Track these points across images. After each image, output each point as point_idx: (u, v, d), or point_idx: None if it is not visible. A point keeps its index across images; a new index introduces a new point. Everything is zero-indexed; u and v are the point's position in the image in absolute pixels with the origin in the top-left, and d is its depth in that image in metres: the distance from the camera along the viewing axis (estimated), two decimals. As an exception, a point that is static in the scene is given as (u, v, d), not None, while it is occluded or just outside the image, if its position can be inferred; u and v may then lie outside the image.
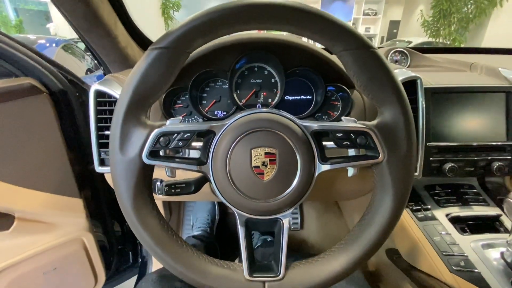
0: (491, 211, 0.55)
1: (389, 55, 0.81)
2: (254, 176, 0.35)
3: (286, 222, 0.37)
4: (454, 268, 0.46)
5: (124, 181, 0.34)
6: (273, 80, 0.63)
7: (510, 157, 0.56)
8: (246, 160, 0.35)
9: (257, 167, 0.35)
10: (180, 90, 0.60)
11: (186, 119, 0.62)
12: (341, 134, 0.36)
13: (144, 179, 0.35)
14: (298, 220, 1.22)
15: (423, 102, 0.55)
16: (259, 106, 0.64)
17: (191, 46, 0.34)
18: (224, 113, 0.63)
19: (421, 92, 0.55)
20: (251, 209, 0.36)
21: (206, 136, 0.37)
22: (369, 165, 0.37)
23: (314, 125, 0.37)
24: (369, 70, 0.35)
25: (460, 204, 0.57)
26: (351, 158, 0.37)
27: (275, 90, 0.64)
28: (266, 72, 0.63)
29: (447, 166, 0.55)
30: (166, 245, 0.35)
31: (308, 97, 0.66)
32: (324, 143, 0.40)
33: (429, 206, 0.57)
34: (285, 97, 0.65)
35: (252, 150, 0.35)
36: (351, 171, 0.41)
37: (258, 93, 0.64)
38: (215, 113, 0.63)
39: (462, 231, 0.54)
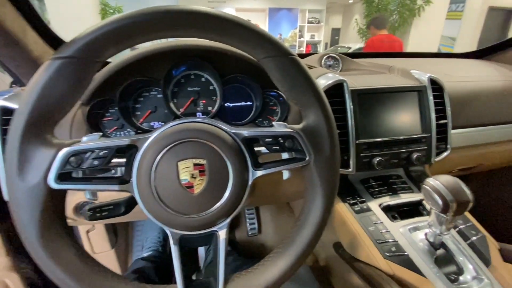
0: (415, 197, 0.62)
1: (323, 60, 0.86)
2: (183, 191, 0.33)
3: (223, 234, 0.36)
4: (387, 254, 0.50)
5: (26, 211, 0.29)
6: (211, 88, 0.62)
7: (426, 147, 0.64)
8: (172, 174, 0.33)
9: (186, 180, 0.33)
10: (108, 102, 0.55)
11: (117, 133, 0.57)
12: (270, 139, 0.37)
13: (54, 206, 0.31)
14: (256, 225, 1.22)
15: (351, 103, 0.59)
16: (199, 114, 0.63)
17: (101, 55, 0.31)
18: (162, 123, 0.60)
19: (348, 93, 0.59)
20: (183, 226, 0.34)
21: (128, 151, 0.34)
22: (299, 167, 0.38)
23: (244, 131, 0.37)
24: (290, 76, 0.36)
25: (390, 193, 0.63)
26: (283, 162, 0.38)
27: (214, 97, 0.63)
28: (203, 79, 0.62)
29: (376, 160, 0.60)
30: (87, 280, 0.31)
31: (248, 103, 0.66)
32: (258, 148, 0.40)
33: (364, 199, 0.61)
34: (225, 104, 0.65)
35: (178, 163, 0.33)
36: (285, 174, 0.42)
37: (196, 101, 0.62)
38: (152, 124, 0.59)
39: (393, 218, 0.59)
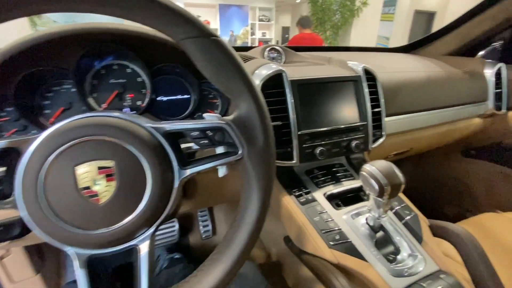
0: (356, 183, 0.64)
1: (266, 52, 0.85)
2: (83, 201, 0.27)
3: (145, 248, 0.31)
4: (332, 243, 0.50)
5: None
6: (139, 80, 0.55)
7: (363, 135, 0.66)
8: (68, 181, 0.26)
9: (87, 188, 0.27)
10: (1, 99, 0.45)
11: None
12: (197, 133, 0.32)
13: None
14: (210, 227, 1.17)
15: (291, 94, 0.58)
16: (127, 110, 0.55)
17: None
18: None
19: (288, 84, 0.58)
20: (90, 243, 0.28)
21: (7, 157, 0.27)
22: (234, 162, 0.35)
23: (166, 126, 0.32)
24: (214, 60, 0.32)
25: (334, 182, 0.64)
26: (214, 158, 0.34)
27: (144, 90, 0.56)
28: (128, 70, 0.54)
29: (318, 150, 0.60)
30: None
31: (185, 96, 0.60)
32: (188, 145, 0.35)
33: (309, 189, 0.61)
34: (158, 98, 0.58)
35: (76, 168, 0.27)
36: (221, 171, 0.38)
37: (122, 95, 0.54)
38: None
39: (337, 206, 0.60)
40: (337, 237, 0.52)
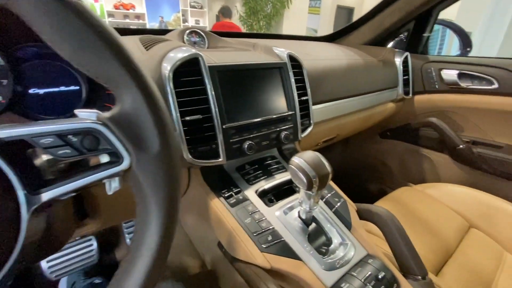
0: (288, 176, 0.61)
1: (185, 36, 0.74)
2: None
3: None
4: (264, 246, 0.46)
5: None
6: (-8, 66, 0.39)
7: (292, 125, 0.64)
8: None
9: None
10: None
11: None
12: (51, 140, 0.22)
13: None
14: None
15: (211, 82, 0.50)
16: (-23, 109, 0.39)
17: None
18: None
19: (206, 70, 0.50)
20: None
21: None
22: (122, 174, 0.26)
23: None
24: (72, 34, 0.22)
25: (266, 176, 0.60)
26: (87, 172, 0.24)
27: (5, 81, 0.41)
28: (-30, 53, 0.38)
29: (246, 144, 0.55)
30: None
31: (72, 87, 0.47)
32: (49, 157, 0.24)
33: (240, 188, 0.56)
34: (31, 91, 0.43)
35: None
36: (109, 186, 0.29)
37: None
38: None
39: (270, 202, 0.56)
40: (270, 237, 0.48)
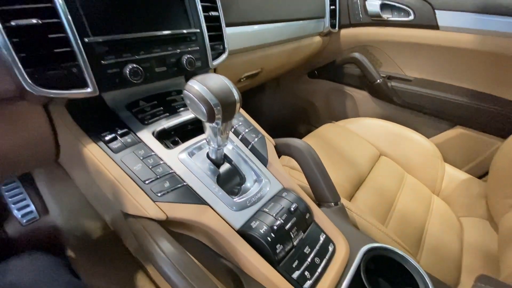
0: None
1: None
2: None
3: None
4: (159, 194, 0.37)
5: None
6: None
7: (198, 47, 0.51)
8: None
9: None
10: None
11: None
12: None
13: None
14: (32, 207, 0.84)
15: None
16: None
17: None
18: None
19: None
20: None
21: None
22: None
23: None
24: None
25: (168, 114, 0.48)
26: None
27: None
28: None
29: (127, 69, 0.40)
30: None
31: None
32: None
33: (130, 129, 0.43)
34: None
35: None
36: None
37: None
38: None
39: (173, 144, 0.46)
40: (167, 184, 0.38)
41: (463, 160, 0.98)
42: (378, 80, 1.04)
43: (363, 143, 0.93)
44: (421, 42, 0.95)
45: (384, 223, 0.70)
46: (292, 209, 0.41)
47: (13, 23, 0.31)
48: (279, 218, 0.39)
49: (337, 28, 1.07)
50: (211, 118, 0.34)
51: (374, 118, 1.01)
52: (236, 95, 0.35)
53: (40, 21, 0.33)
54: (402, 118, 1.08)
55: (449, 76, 0.96)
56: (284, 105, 1.43)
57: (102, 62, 0.38)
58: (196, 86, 0.33)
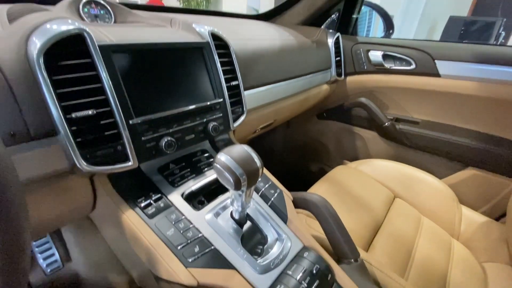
0: None
1: (82, 7, 0.58)
2: None
3: None
4: (190, 260, 0.40)
5: None
6: None
7: (221, 114, 0.57)
8: None
9: None
10: None
11: None
12: None
13: None
14: (57, 255, 0.87)
15: (103, 66, 0.39)
16: None
17: None
18: None
19: (95, 51, 0.39)
20: None
21: None
22: None
23: None
24: None
25: (194, 175, 0.53)
26: None
27: None
28: None
29: (163, 142, 0.46)
30: None
31: None
32: None
33: (163, 193, 0.47)
34: None
35: None
36: None
37: None
38: None
39: (200, 204, 0.50)
40: (197, 248, 0.41)
41: (479, 201, 0.97)
42: (386, 123, 1.09)
43: (377, 186, 0.94)
44: (424, 88, 1.00)
45: (404, 274, 0.69)
46: (314, 271, 0.43)
47: (73, 115, 0.37)
48: (303, 282, 0.41)
49: (343, 76, 1.15)
50: (237, 186, 0.38)
51: (386, 160, 1.03)
52: (258, 162, 0.39)
53: (94, 111, 0.39)
54: (413, 159, 1.10)
55: (455, 118, 0.99)
56: (296, 144, 1.48)
57: (142, 138, 0.44)
58: (223, 158, 0.37)
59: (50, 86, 0.35)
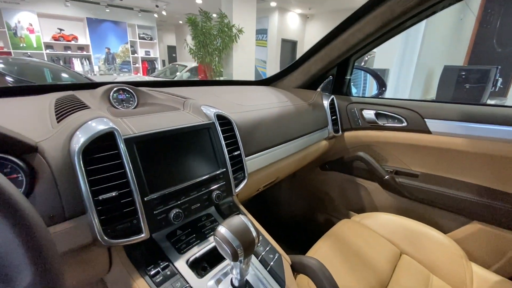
0: None
1: (112, 94, 0.72)
2: None
3: None
4: None
5: None
6: None
7: (224, 182, 0.64)
8: None
9: None
10: None
11: None
12: None
13: None
14: None
15: (127, 155, 0.48)
16: None
17: None
18: None
19: (122, 144, 0.48)
20: None
21: None
22: None
23: None
24: None
25: (199, 241, 0.58)
26: None
27: None
28: None
29: (172, 213, 0.53)
30: None
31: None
32: None
33: (170, 260, 0.52)
34: None
35: None
36: None
37: None
38: None
39: (203, 270, 0.54)
40: None
41: (489, 258, 0.94)
42: (386, 176, 1.13)
43: (382, 242, 0.94)
44: (418, 144, 1.06)
45: None
46: None
47: (100, 197, 0.45)
48: None
49: (340, 132, 1.23)
50: (235, 258, 0.43)
51: (390, 214, 1.05)
52: (254, 233, 0.44)
53: (117, 193, 0.47)
54: (417, 210, 1.11)
55: (454, 172, 1.02)
56: (302, 194, 1.51)
57: (154, 212, 0.51)
58: (222, 231, 0.43)
59: (85, 175, 0.44)
